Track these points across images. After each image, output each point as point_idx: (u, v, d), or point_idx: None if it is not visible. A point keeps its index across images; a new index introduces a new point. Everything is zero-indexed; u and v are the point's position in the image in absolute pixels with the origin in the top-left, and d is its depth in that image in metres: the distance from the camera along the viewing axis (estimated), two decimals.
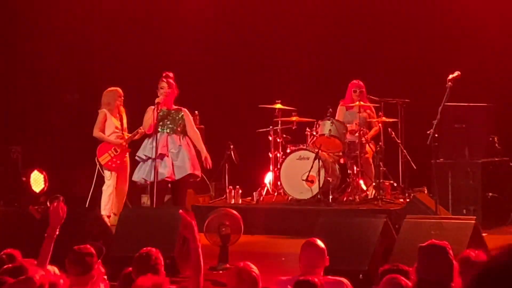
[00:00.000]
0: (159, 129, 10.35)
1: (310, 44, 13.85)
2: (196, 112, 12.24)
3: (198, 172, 10.46)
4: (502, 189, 11.41)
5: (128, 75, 13.54)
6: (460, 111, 11.37)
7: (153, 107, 10.36)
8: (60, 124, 14.11)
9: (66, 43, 14.33)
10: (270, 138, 12.44)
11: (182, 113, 10.45)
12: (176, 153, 10.25)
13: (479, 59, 12.46)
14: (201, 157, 10.52)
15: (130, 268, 6.15)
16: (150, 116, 10.38)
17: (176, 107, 10.51)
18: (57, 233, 5.84)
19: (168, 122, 10.38)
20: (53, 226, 5.82)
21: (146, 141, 10.53)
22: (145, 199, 12.57)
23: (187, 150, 10.30)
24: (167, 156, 10.23)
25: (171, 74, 10.56)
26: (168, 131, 10.38)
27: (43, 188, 12.92)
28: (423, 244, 5.64)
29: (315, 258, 6.39)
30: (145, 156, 10.34)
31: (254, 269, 5.84)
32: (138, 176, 10.45)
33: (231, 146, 12.57)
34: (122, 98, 11.50)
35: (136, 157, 10.58)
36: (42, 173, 12.92)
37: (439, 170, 10.53)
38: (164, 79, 10.50)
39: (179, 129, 10.40)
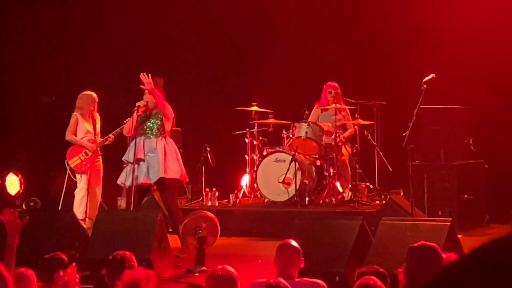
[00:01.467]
0: (140, 133, 10.28)
1: (286, 46, 13.86)
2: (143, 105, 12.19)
3: (174, 175, 10.14)
4: (477, 191, 11.46)
5: (106, 77, 13.49)
6: (435, 114, 11.41)
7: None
8: (36, 127, 14.03)
9: (43, 45, 14.27)
10: (247, 141, 12.45)
11: (161, 115, 10.37)
12: (152, 156, 10.17)
13: (455, 61, 12.50)
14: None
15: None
16: (131, 119, 10.31)
17: (156, 110, 10.38)
18: (17, 241, 5.76)
19: (146, 127, 10.30)
20: (12, 235, 5.75)
21: (129, 145, 10.46)
22: (122, 202, 12.53)
23: (161, 153, 10.17)
24: (143, 161, 10.15)
25: (158, 80, 10.43)
26: (146, 134, 10.32)
27: (19, 191, 12.83)
28: (414, 245, 5.63)
29: (290, 259, 6.40)
30: (126, 160, 10.29)
31: (233, 271, 5.86)
32: (119, 180, 10.39)
33: (208, 149, 12.56)
34: (97, 103, 11.44)
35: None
36: (17, 176, 12.84)
37: (415, 172, 10.56)
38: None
39: (157, 132, 10.30)
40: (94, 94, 11.46)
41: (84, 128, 11.41)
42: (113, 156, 12.01)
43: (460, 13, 12.59)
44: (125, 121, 10.83)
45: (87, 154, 11.37)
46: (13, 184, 12.84)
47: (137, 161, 10.11)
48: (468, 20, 12.56)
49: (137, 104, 10.31)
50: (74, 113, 11.41)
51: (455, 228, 8.40)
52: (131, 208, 9.90)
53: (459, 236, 8.60)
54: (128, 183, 10.12)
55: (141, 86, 10.17)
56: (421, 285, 4.93)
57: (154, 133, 10.23)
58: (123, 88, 13.47)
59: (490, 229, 11.18)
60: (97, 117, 11.52)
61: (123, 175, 10.25)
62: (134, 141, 10.16)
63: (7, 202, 12.37)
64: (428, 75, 9.86)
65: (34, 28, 14.24)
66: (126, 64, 14.05)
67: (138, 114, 10.18)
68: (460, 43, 12.64)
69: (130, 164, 10.14)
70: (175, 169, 10.13)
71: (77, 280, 6.09)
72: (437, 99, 10.88)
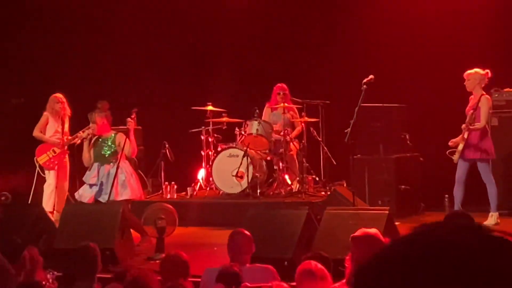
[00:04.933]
0: (96, 159, 9.97)
1: (239, 50, 13.88)
2: (134, 114, 12.14)
3: (125, 197, 9.81)
4: (413, 181, 11.59)
5: (73, 79, 13.39)
6: (374, 111, 11.51)
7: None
8: (6, 126, 13.89)
9: (12, 48, 14.12)
10: (202, 138, 12.47)
11: (114, 140, 9.98)
12: (105, 182, 9.86)
13: (392, 63, 12.62)
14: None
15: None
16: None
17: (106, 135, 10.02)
18: None
19: (99, 153, 9.97)
20: None
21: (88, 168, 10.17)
22: None
23: (111, 178, 9.79)
24: (95, 185, 9.91)
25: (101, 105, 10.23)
26: (100, 161, 9.94)
27: None
28: (356, 234, 5.65)
29: (242, 245, 6.44)
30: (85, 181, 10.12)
31: (185, 256, 5.91)
32: (77, 194, 10.20)
33: (166, 145, 12.54)
34: (62, 103, 11.37)
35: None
36: None
37: (356, 165, 10.65)
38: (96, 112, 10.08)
39: (110, 157, 9.93)
40: (57, 96, 11.41)
41: (53, 128, 11.39)
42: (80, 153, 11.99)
43: (397, 18, 12.71)
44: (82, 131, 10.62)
45: (55, 152, 11.33)
46: None
47: (90, 185, 9.93)
48: (405, 24, 12.69)
49: (82, 136, 10.19)
50: (45, 112, 11.41)
51: (393, 216, 8.50)
52: None
53: (396, 223, 8.71)
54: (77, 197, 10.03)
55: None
56: None
57: (108, 160, 9.94)
58: (90, 89, 13.42)
59: (425, 217, 11.29)
60: (67, 117, 11.47)
61: (81, 191, 10.02)
62: (92, 165, 9.92)
63: None
64: (367, 76, 9.95)
65: (2, 30, 14.09)
66: (90, 65, 13.98)
67: (89, 144, 9.92)
68: (398, 46, 12.77)
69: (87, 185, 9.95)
70: (126, 191, 9.83)
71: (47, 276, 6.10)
72: (376, 98, 10.98)
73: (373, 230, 5.72)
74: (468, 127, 10.02)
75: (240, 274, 5.61)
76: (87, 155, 9.99)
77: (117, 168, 9.75)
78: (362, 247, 5.42)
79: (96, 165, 9.96)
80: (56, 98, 11.39)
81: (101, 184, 9.88)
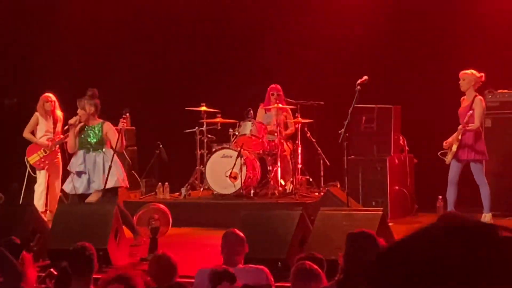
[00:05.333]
0: (81, 146, 9.91)
1: (233, 52, 13.86)
2: (128, 114, 12.12)
3: (112, 185, 9.73)
4: (407, 183, 11.59)
5: (66, 79, 13.36)
6: (368, 112, 11.52)
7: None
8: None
9: (4, 48, 14.09)
10: (196, 138, 12.45)
11: (100, 128, 9.92)
12: (91, 169, 9.83)
13: (386, 64, 12.63)
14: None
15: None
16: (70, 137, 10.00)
17: (93, 123, 9.95)
18: None
19: (85, 141, 9.90)
20: None
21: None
22: None
23: (100, 166, 9.81)
24: (84, 173, 9.84)
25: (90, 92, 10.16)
26: (86, 148, 9.89)
27: None
28: (353, 232, 5.63)
29: (234, 246, 6.42)
30: (69, 169, 10.07)
31: (173, 257, 5.90)
32: (64, 186, 10.16)
33: (160, 146, 12.53)
34: (51, 103, 11.36)
35: None
36: None
37: (350, 166, 10.64)
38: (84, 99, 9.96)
39: (96, 145, 9.87)
40: (46, 95, 11.41)
41: (44, 127, 11.38)
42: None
43: (392, 22, 12.71)
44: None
45: (45, 152, 11.32)
46: None
47: (78, 173, 9.84)
48: (399, 23, 12.70)
49: (69, 122, 10.06)
50: (36, 113, 11.40)
51: (386, 217, 8.49)
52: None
53: (390, 224, 8.70)
54: (68, 191, 9.98)
55: None
56: (358, 270, 4.99)
57: (94, 148, 9.87)
58: (82, 89, 13.39)
59: (418, 218, 11.30)
60: (59, 117, 11.46)
61: (71, 185, 9.93)
62: (77, 153, 9.87)
63: None
64: (361, 77, 9.95)
65: None
66: (83, 65, 13.95)
67: (75, 130, 9.83)
68: (391, 48, 12.78)
69: (72, 174, 9.90)
70: (113, 179, 9.74)
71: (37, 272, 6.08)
72: (370, 99, 10.98)
73: (371, 231, 5.73)
74: (464, 128, 10.03)
75: (233, 273, 5.59)
76: (72, 141, 9.88)
77: (113, 157, 9.68)
78: (358, 246, 5.40)
79: (81, 152, 9.85)
80: (45, 98, 11.40)
81: (88, 173, 9.79)
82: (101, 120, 9.94)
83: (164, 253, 6.15)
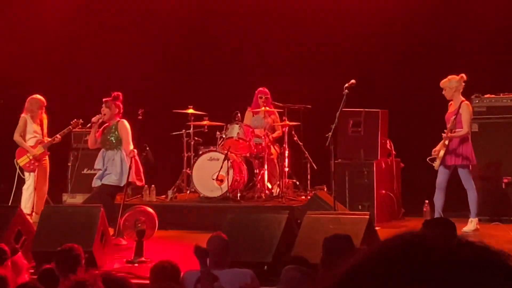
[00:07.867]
0: (102, 145, 10.54)
1: (220, 55, 13.85)
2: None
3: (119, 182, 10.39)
4: (393, 187, 11.60)
5: (52, 81, 13.31)
6: (355, 116, 11.53)
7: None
8: None
9: None
10: (183, 140, 12.42)
11: (117, 128, 10.51)
12: (110, 167, 10.43)
13: (373, 68, 12.65)
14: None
15: (49, 265, 6.08)
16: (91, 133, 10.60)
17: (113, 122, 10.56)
18: None
19: (105, 140, 10.50)
20: None
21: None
22: (66, 197, 12.44)
23: (118, 163, 10.41)
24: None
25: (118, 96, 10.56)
26: (105, 147, 10.52)
27: None
28: (328, 236, 5.62)
29: (220, 249, 6.41)
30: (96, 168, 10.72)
31: (175, 264, 5.88)
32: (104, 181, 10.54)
33: (147, 148, 12.49)
34: (45, 106, 11.42)
35: None
36: None
37: (337, 170, 10.66)
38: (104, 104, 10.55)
39: (115, 144, 10.47)
40: (43, 99, 11.44)
41: (32, 130, 11.38)
42: (59, 155, 11.95)
43: (380, 27, 12.73)
44: (71, 122, 10.98)
45: (35, 153, 11.30)
46: None
47: (98, 171, 10.52)
48: (386, 28, 12.72)
49: (92, 120, 10.57)
50: (23, 115, 11.35)
51: (373, 221, 8.50)
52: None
53: (377, 228, 8.71)
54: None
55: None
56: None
57: (113, 146, 10.42)
58: (70, 91, 13.36)
59: (405, 222, 11.32)
60: (45, 119, 11.47)
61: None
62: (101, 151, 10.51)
63: None
64: (349, 81, 9.95)
65: None
66: (70, 67, 13.91)
67: (98, 128, 10.45)
68: (378, 51, 12.80)
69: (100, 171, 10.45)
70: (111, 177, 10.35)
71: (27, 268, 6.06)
72: (357, 102, 11.00)
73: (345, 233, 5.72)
74: (448, 134, 10.03)
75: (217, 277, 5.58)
76: (93, 137, 10.54)
77: (133, 154, 10.35)
78: (333, 249, 5.39)
79: (102, 150, 10.52)
80: (40, 101, 11.39)
81: (106, 169, 10.35)
82: (118, 119, 10.49)
83: (168, 260, 6.12)
